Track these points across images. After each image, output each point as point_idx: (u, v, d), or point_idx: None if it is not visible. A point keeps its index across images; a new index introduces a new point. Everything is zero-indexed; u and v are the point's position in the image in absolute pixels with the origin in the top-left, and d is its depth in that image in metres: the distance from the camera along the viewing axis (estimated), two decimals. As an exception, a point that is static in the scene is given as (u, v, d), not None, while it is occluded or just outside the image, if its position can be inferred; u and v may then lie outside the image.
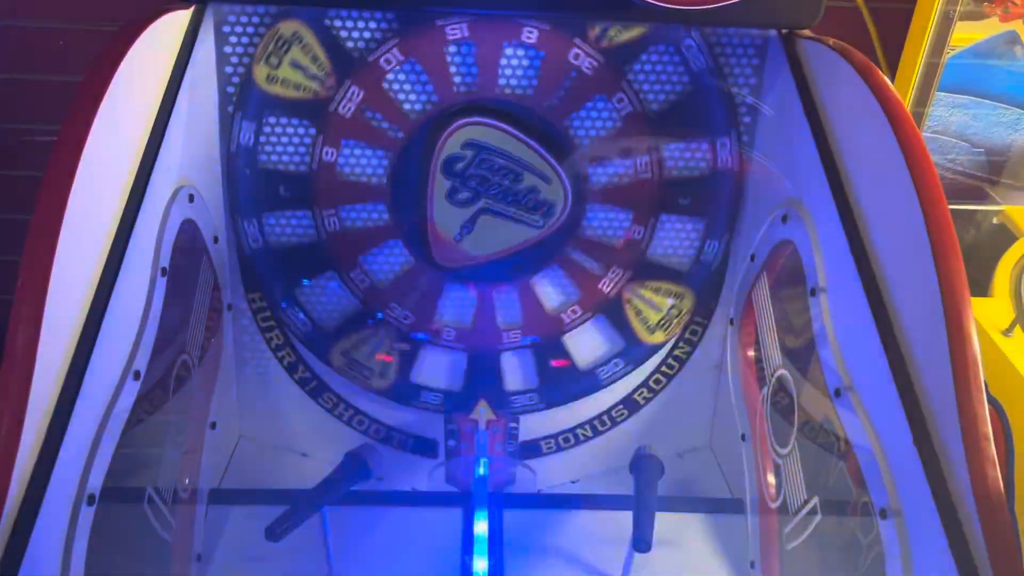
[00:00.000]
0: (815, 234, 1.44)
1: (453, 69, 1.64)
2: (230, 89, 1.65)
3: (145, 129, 1.34)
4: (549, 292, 1.83)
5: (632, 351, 1.88)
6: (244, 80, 1.64)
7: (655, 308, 1.85)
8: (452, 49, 1.63)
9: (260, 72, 1.63)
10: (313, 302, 1.82)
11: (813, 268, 1.42)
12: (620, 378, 1.90)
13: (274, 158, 1.70)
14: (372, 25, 1.61)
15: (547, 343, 1.87)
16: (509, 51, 1.64)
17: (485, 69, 1.64)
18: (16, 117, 2.23)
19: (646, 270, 1.82)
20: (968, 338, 1.04)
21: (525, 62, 1.65)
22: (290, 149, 1.69)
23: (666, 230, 1.79)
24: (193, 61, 1.49)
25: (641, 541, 1.40)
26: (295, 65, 1.63)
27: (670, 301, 1.85)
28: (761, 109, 1.69)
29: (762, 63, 1.67)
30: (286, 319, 1.83)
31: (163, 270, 1.36)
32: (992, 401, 1.21)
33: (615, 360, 1.89)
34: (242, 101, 1.66)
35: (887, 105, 1.24)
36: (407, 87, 1.65)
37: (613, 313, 1.85)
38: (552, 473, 1.95)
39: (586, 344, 1.88)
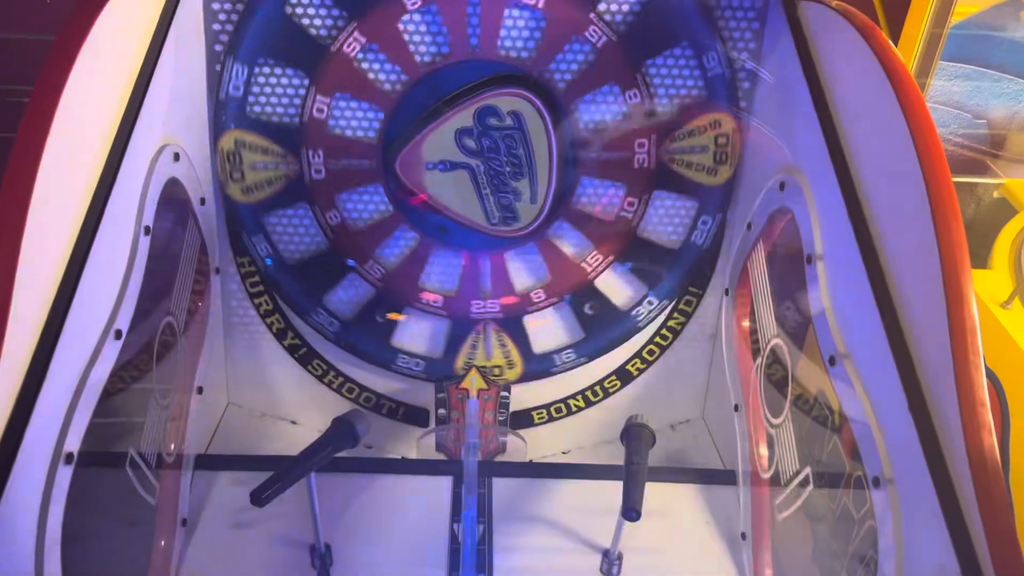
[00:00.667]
0: (813, 201, 1.41)
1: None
2: (218, 47, 1.62)
3: (127, 84, 1.30)
4: (441, 274, 1.83)
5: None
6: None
7: (486, 355, 1.88)
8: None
9: None
10: (259, 85, 1.66)
11: (810, 235, 1.40)
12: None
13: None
14: None
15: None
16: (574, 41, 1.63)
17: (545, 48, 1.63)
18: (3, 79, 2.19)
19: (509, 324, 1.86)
20: (967, 304, 1.02)
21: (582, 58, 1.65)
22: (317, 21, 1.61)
23: (552, 320, 1.85)
24: (179, 16, 1.46)
25: (631, 511, 1.38)
26: None
27: (502, 363, 1.88)
28: (760, 74, 1.66)
29: (762, 27, 1.64)
30: (226, 78, 1.65)
31: (146, 229, 1.33)
32: (988, 374, 1.18)
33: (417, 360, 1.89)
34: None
35: (889, 67, 1.21)
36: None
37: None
38: (543, 443, 1.94)
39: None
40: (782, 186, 1.53)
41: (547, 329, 1.86)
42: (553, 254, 1.80)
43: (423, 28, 1.62)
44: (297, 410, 1.94)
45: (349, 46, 1.62)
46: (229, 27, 1.60)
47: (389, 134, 1.69)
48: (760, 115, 1.69)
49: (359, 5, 1.60)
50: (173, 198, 1.48)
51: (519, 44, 1.63)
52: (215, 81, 1.63)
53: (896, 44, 2.09)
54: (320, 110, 1.67)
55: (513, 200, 1.71)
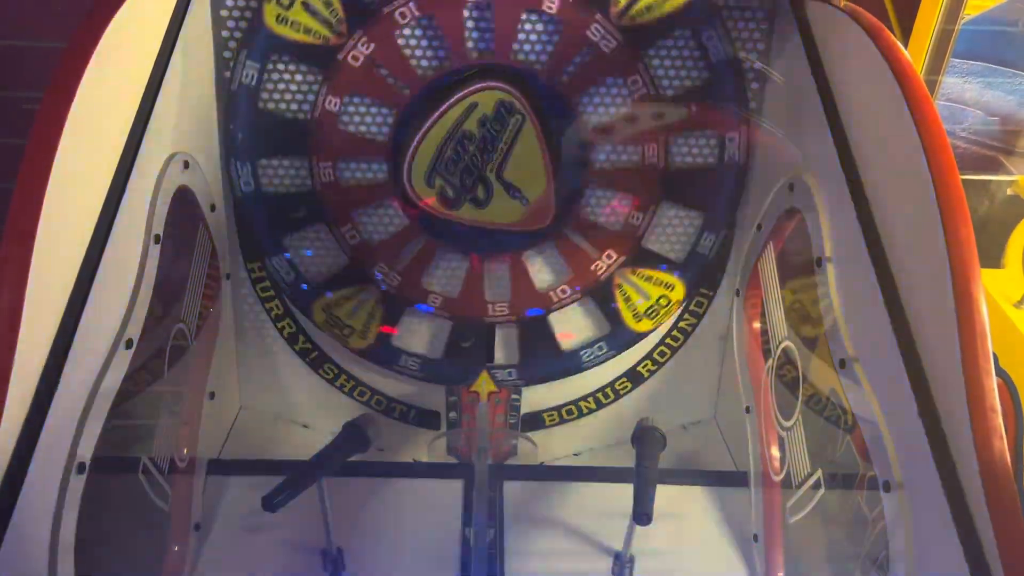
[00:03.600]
0: (822, 203, 1.41)
1: (469, 32, 1.60)
2: (227, 54, 1.62)
3: (136, 93, 1.31)
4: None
5: (617, 337, 1.85)
6: (252, 19, 1.59)
7: (644, 296, 1.83)
8: (469, 9, 1.59)
9: (270, 12, 1.58)
10: (301, 256, 1.77)
11: (820, 238, 1.39)
12: (601, 363, 1.87)
13: (276, 98, 1.65)
14: None
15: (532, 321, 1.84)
16: (530, 17, 1.60)
17: (503, 34, 1.60)
18: (13, 84, 2.21)
19: (641, 257, 1.80)
20: (976, 308, 1.01)
21: (543, 34, 1.61)
22: (298, 96, 1.65)
23: (663, 222, 1.78)
24: (187, 24, 1.46)
25: (642, 514, 1.38)
26: (307, 7, 1.58)
27: (660, 291, 1.83)
28: (770, 75, 1.65)
29: (771, 27, 1.63)
30: (274, 270, 1.77)
31: (156, 237, 1.34)
32: (1001, 373, 1.18)
33: (599, 343, 1.86)
34: (248, 40, 1.61)
35: (897, 67, 1.20)
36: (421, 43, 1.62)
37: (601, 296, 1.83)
38: (555, 445, 1.94)
39: (572, 325, 1.86)
40: (791, 187, 1.52)
41: (670, 234, 1.80)
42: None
43: (383, 71, 1.62)
44: (309, 414, 1.95)
45: (330, 103, 1.64)
46: (238, 34, 1.61)
47: (397, 178, 1.71)
48: (769, 115, 1.68)
49: (322, 66, 1.62)
50: (183, 206, 1.49)
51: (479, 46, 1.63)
52: (224, 89, 1.64)
53: (907, 41, 2.09)
54: (352, 235, 1.75)
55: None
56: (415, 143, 1.64)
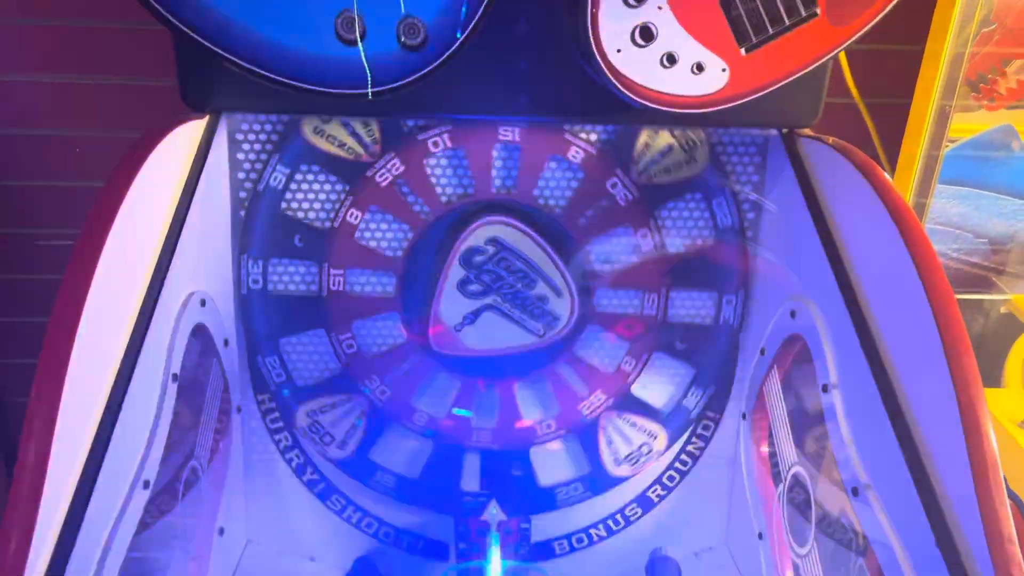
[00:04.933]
0: (824, 330, 1.44)
1: (495, 169, 1.68)
2: (242, 194, 1.69)
3: (160, 236, 1.36)
4: (530, 401, 1.83)
5: (595, 479, 1.87)
6: (288, 131, 1.66)
7: (627, 442, 1.85)
8: (498, 149, 1.67)
9: (308, 124, 1.65)
10: (295, 356, 1.79)
11: (824, 364, 1.42)
12: (575, 503, 1.87)
13: (296, 205, 1.71)
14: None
15: (515, 452, 1.85)
16: (552, 164, 1.68)
17: (525, 175, 1.68)
18: (31, 222, 2.27)
19: (628, 403, 1.84)
20: (986, 438, 1.03)
21: (567, 181, 1.69)
22: (316, 204, 1.70)
23: (656, 368, 1.81)
24: (207, 169, 1.53)
25: (659, 648, 1.36)
26: (345, 123, 1.66)
27: (644, 439, 1.85)
28: (764, 206, 1.72)
29: (764, 161, 1.70)
30: (261, 366, 1.78)
31: (174, 376, 1.36)
32: (1012, 495, 1.18)
33: (576, 484, 1.87)
34: (282, 147, 1.67)
35: (890, 203, 1.26)
36: (448, 172, 1.69)
37: (586, 436, 1.85)
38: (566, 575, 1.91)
39: (551, 462, 1.87)
40: (793, 314, 1.56)
41: (657, 385, 1.84)
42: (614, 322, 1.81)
43: (406, 192, 1.69)
44: (316, 546, 1.93)
45: (352, 216, 1.71)
46: (253, 175, 1.67)
47: (412, 332, 1.77)
48: (767, 244, 1.73)
49: (351, 176, 1.68)
50: (199, 343, 1.52)
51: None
52: (239, 225, 1.70)
53: (894, 167, 2.17)
54: (349, 345, 1.78)
55: (544, 306, 1.73)
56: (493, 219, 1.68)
